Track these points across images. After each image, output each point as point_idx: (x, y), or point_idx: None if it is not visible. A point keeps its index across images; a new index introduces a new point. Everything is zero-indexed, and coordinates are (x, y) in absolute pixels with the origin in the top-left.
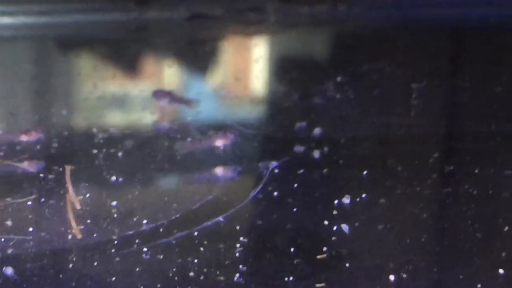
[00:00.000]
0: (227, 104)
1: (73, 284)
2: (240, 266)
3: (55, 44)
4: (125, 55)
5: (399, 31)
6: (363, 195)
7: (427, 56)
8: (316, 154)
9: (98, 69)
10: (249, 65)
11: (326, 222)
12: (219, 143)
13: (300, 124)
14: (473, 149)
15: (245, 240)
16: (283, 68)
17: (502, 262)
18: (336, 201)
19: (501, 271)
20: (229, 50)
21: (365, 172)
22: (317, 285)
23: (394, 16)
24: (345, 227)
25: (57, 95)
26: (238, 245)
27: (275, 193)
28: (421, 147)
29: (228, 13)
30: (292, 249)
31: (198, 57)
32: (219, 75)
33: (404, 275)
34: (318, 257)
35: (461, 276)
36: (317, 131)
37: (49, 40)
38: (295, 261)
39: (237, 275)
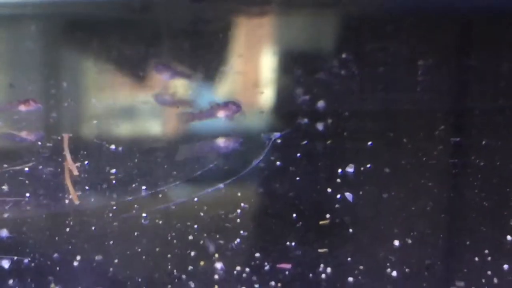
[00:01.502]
0: (230, 79)
1: (69, 247)
2: (241, 231)
3: (58, 23)
4: (128, 33)
5: (405, 11)
6: (368, 165)
7: (434, 36)
8: (320, 126)
9: (100, 47)
10: (253, 44)
11: (329, 190)
12: (222, 114)
13: (304, 98)
14: (480, 123)
15: (246, 206)
16: (287, 47)
17: (510, 229)
18: (339, 170)
19: (509, 237)
20: (233, 30)
21: (369, 143)
22: (320, 250)
23: None
24: (348, 195)
25: (58, 68)
26: (238, 211)
27: (278, 163)
28: (427, 121)
29: None
30: (294, 215)
31: (202, 36)
32: (223, 53)
33: (409, 241)
34: (321, 223)
35: (467, 242)
36: (320, 104)
37: (52, 19)
38: (297, 227)
39: (238, 240)
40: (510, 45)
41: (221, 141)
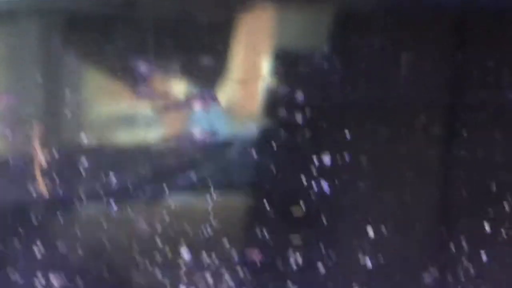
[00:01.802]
0: (211, 72)
1: (37, 239)
2: (211, 219)
3: (37, 17)
4: (110, 29)
5: (391, 8)
6: (345, 155)
7: (419, 32)
8: (298, 118)
9: (79, 44)
10: (236, 38)
11: (305, 180)
12: (198, 105)
13: (283, 90)
14: (463, 116)
15: (217, 194)
16: (270, 40)
17: (489, 219)
18: (316, 160)
19: (487, 227)
20: (216, 24)
21: (348, 135)
22: (293, 239)
23: None
24: (324, 184)
25: (33, 61)
26: (209, 200)
27: (253, 153)
28: (408, 113)
29: None
30: (267, 205)
31: (189, 32)
32: (205, 46)
33: (384, 230)
34: (294, 211)
35: (445, 231)
36: (300, 96)
37: (30, 14)
38: (269, 217)
39: (207, 229)
40: (494, 40)
41: (196, 132)
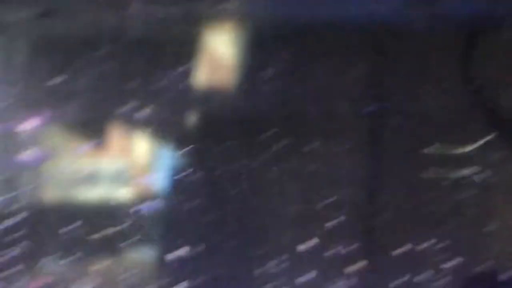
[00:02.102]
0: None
1: None
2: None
3: None
4: None
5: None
6: (182, 172)
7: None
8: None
9: None
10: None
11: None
12: (27, 125)
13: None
14: (309, 127)
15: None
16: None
17: (311, 236)
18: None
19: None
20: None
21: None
22: (90, 266)
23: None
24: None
25: None
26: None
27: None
28: (253, 127)
29: None
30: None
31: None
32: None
33: (198, 249)
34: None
35: (261, 252)
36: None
37: None
38: (67, 239)
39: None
40: (346, 54)
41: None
